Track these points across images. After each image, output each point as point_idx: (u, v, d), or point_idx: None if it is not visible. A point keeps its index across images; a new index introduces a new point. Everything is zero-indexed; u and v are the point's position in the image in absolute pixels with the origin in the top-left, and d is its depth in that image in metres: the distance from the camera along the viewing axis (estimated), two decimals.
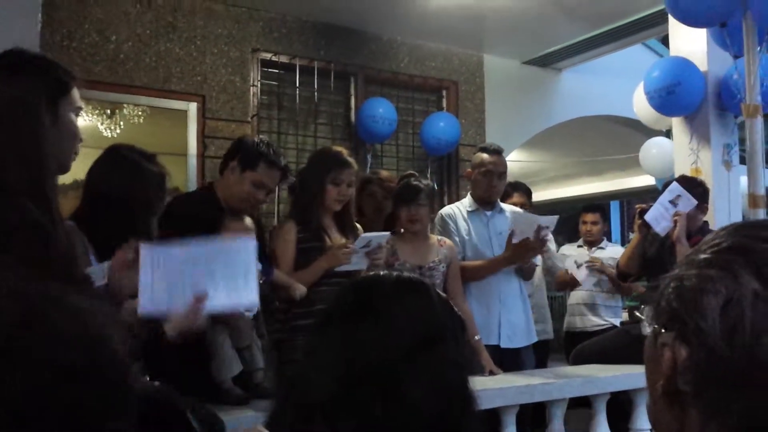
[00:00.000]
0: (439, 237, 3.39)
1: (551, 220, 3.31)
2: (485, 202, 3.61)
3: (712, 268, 0.61)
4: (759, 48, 3.29)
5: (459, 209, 3.63)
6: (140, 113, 5.51)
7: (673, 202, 3.36)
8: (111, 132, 5.88)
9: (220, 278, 1.70)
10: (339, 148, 3.15)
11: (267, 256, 2.91)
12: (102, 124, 5.84)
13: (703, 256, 0.63)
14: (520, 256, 3.35)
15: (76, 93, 1.61)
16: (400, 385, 0.97)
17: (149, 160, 2.35)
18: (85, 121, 5.54)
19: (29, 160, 1.45)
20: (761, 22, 3.25)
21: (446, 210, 3.68)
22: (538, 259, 4.87)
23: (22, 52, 1.57)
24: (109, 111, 5.81)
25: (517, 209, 3.81)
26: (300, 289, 2.77)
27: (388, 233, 3.03)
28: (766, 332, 0.56)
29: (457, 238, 3.51)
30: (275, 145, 2.88)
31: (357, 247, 2.86)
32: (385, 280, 1.10)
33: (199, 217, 2.62)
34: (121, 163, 2.30)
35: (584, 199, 9.44)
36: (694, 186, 3.55)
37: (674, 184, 3.42)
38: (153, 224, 2.30)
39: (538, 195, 9.74)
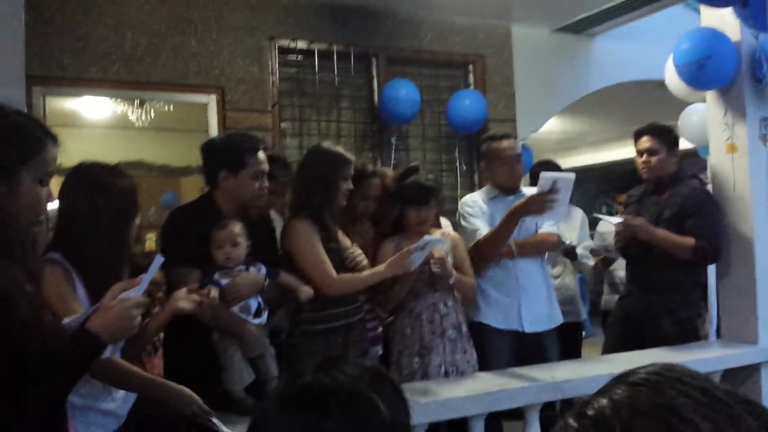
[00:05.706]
0: (443, 230, 3.34)
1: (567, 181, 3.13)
2: (507, 189, 3.56)
3: None
4: None
5: (476, 200, 3.59)
6: (164, 105, 5.52)
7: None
8: (140, 122, 5.92)
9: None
10: (336, 146, 3.01)
11: (275, 258, 2.87)
12: (132, 114, 5.89)
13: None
14: (529, 207, 3.15)
15: (49, 153, 1.55)
16: None
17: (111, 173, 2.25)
18: (115, 111, 5.61)
19: None
20: None
21: (467, 199, 3.65)
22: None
23: None
24: (138, 101, 5.85)
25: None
26: (306, 292, 2.72)
27: (448, 241, 3.19)
28: None
29: (479, 222, 3.46)
30: (243, 129, 2.83)
31: (417, 260, 2.85)
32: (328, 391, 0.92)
33: (196, 227, 2.62)
34: (82, 180, 2.21)
35: (624, 162, 9.15)
36: (665, 132, 3.72)
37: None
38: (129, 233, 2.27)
39: (581, 160, 9.49)
